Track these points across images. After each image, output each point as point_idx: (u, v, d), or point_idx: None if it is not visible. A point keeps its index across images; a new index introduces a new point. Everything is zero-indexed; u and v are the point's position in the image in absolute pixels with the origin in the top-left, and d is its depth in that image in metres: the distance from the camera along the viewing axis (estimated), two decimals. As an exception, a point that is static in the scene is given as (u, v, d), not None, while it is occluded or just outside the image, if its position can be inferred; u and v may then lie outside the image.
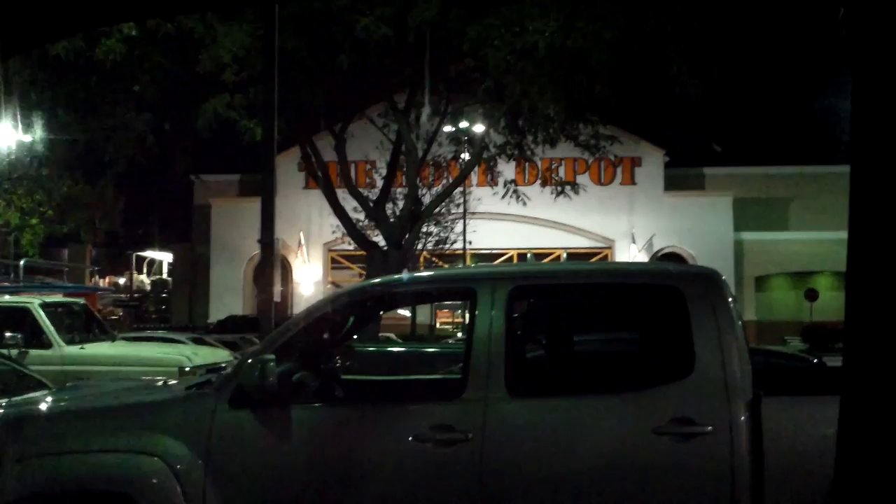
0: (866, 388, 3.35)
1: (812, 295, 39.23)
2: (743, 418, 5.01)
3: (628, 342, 7.28)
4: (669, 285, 5.55)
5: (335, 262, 45.48)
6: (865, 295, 3.36)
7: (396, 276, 6.27)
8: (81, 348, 14.82)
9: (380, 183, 29.14)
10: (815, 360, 12.21)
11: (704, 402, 5.08)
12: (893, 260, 3.27)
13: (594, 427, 5.15)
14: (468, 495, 5.06)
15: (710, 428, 5.01)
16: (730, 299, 5.39)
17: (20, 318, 14.70)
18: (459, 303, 37.40)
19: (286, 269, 42.58)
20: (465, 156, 27.81)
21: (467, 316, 7.08)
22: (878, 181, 3.32)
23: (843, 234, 3.50)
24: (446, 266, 37.62)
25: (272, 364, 5.08)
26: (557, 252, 43.56)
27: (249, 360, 5.29)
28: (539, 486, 5.05)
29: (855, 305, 3.40)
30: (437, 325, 43.07)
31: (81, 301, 17.83)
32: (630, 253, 42.99)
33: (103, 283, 58.31)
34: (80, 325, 16.17)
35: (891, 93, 3.29)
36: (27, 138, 27.27)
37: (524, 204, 28.15)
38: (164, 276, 60.55)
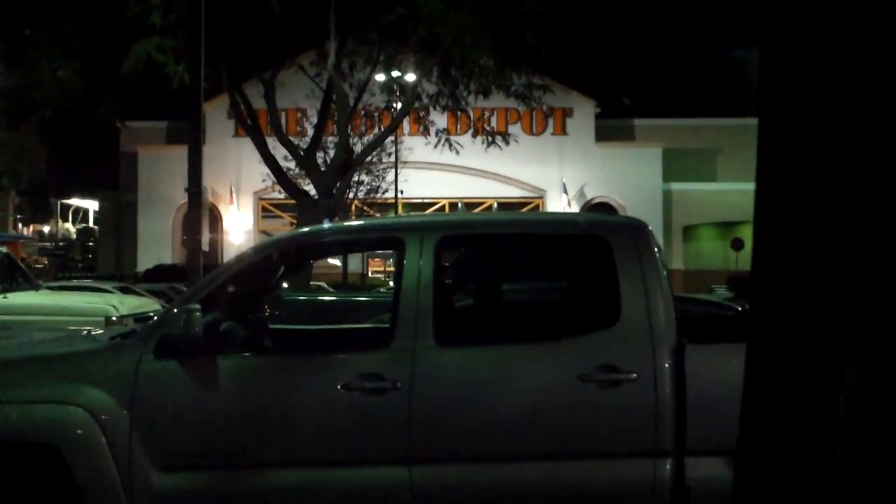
0: (770, 336, 3.45)
1: (738, 244, 39.93)
2: (667, 365, 5.10)
3: (556, 291, 7.34)
4: (596, 235, 5.59)
5: (266, 210, 45.15)
6: (770, 246, 3.45)
7: (325, 226, 6.23)
8: (4, 297, 14.50)
9: (311, 131, 28.89)
10: (741, 308, 12.43)
11: (629, 349, 5.16)
12: (795, 217, 3.36)
13: (521, 375, 5.20)
14: (397, 443, 5.08)
15: (634, 375, 5.09)
16: (656, 249, 5.46)
17: (-60, 267, 14.37)
18: (390, 252, 37.46)
19: (216, 218, 42.21)
20: (398, 105, 27.66)
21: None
22: (782, 136, 3.40)
23: (769, 186, 3.57)
24: (378, 215, 37.60)
25: (198, 314, 5.02)
26: (489, 201, 43.71)
27: (175, 310, 5.23)
28: (467, 433, 5.10)
29: (760, 257, 3.49)
30: (370, 274, 43.05)
31: (4, 249, 17.42)
32: (561, 203, 43.30)
33: (27, 231, 57.17)
34: (3, 273, 15.80)
35: (795, 55, 3.36)
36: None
37: (456, 153, 28.12)
38: (91, 224, 59.54)
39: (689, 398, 5.06)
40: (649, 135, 45.49)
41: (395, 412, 5.08)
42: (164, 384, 5.17)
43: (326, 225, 6.20)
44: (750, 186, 3.52)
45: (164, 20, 19.07)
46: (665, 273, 5.43)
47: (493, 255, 6.55)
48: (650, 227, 5.68)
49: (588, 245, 5.69)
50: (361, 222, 7.58)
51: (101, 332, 7.03)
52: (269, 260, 6.02)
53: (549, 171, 43.79)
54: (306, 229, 6.56)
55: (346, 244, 7.09)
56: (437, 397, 5.11)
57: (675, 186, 44.01)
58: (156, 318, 6.02)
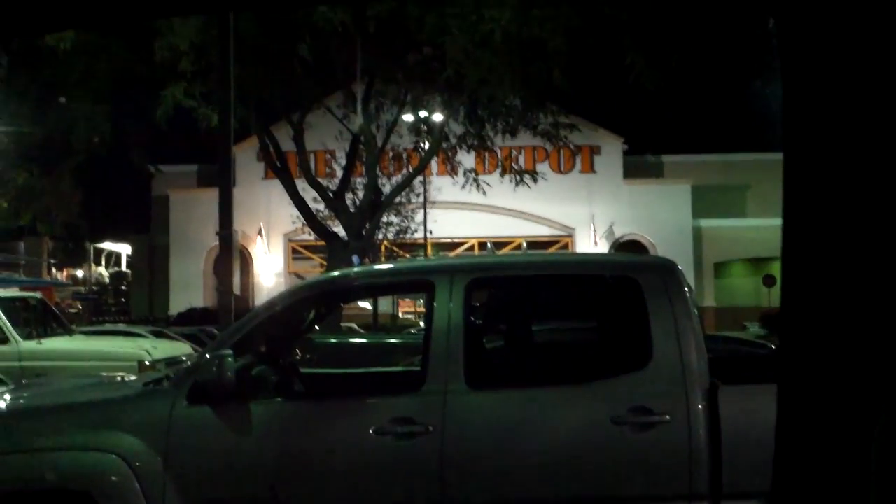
0: (801, 375, 3.42)
1: (770, 281, 39.58)
2: (700, 407, 5.07)
3: (586, 332, 7.33)
4: (626, 276, 5.59)
5: (296, 252, 45.28)
6: (799, 284, 3.42)
7: (355, 270, 6.27)
8: (39, 343, 14.66)
9: (339, 173, 29.08)
10: (774, 347, 12.33)
11: (662, 391, 5.13)
12: (824, 250, 3.34)
13: (553, 418, 5.18)
14: (429, 488, 5.07)
15: (667, 417, 5.06)
16: (686, 289, 5.44)
17: (-25, 314, 14.52)
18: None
19: (246, 260, 42.38)
20: (425, 145, 27.78)
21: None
22: (808, 172, 3.39)
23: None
24: (407, 255, 37.64)
25: (230, 360, 5.06)
26: (518, 240, 43.63)
27: (207, 356, 5.27)
28: (500, 477, 5.08)
29: (789, 295, 3.46)
30: (400, 315, 43.02)
31: (38, 295, 17.62)
32: (590, 240, 43.18)
33: (61, 276, 57.66)
34: (38, 319, 15.99)
35: (818, 103, 3.36)
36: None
37: (484, 193, 28.18)
38: (123, 268, 60.00)
39: (723, 440, 5.02)
40: (678, 171, 45.31)
41: (428, 456, 5.07)
42: (197, 430, 5.20)
43: (356, 269, 6.25)
44: (780, 222, 3.49)
45: (194, 66, 19.32)
46: (696, 312, 5.41)
47: (523, 296, 6.55)
48: (680, 267, 5.67)
49: (618, 286, 5.68)
50: (391, 266, 7.62)
51: (134, 377, 7.09)
52: (299, 305, 6.06)
53: (577, 209, 43.68)
54: (336, 274, 6.59)
55: (377, 288, 7.13)
56: (470, 441, 5.10)
57: (705, 223, 43.77)
58: (189, 363, 6.06)
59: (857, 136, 3.28)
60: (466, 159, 28.60)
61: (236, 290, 14.94)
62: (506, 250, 42.96)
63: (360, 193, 28.20)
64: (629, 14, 14.45)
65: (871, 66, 3.26)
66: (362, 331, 25.91)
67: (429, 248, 38.42)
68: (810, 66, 3.40)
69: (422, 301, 41.92)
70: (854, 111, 3.28)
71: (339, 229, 26.77)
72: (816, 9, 3.39)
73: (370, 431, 5.12)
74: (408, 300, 44.11)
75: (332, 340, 14.84)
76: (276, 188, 29.41)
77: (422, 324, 26.25)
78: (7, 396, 6.70)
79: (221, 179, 13.94)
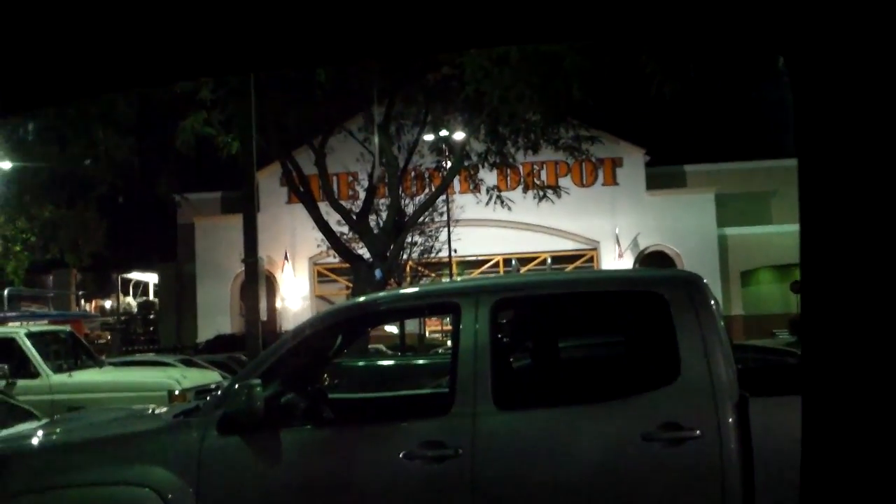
0: (824, 385, 3.37)
1: (798, 287, 39.16)
2: (730, 421, 5.03)
3: (614, 348, 7.31)
4: (651, 291, 5.57)
5: (321, 275, 45.38)
6: (818, 292, 3.39)
7: (381, 294, 6.28)
8: (69, 376, 14.74)
9: (362, 195, 29.14)
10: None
11: (691, 406, 5.10)
12: (842, 257, 3.30)
13: (583, 437, 5.16)
14: (461, 511, 5.06)
15: (698, 432, 5.03)
16: (712, 302, 5.42)
17: (6, 349, 14.59)
18: (447, 312, 37.26)
19: (272, 284, 42.50)
20: (447, 164, 27.82)
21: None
22: (823, 175, 3.36)
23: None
24: (433, 275, 37.65)
25: (258, 389, 5.08)
26: (543, 255, 43.55)
27: (236, 386, 5.30)
28: (532, 498, 5.06)
29: (809, 303, 3.43)
30: (427, 335, 42.99)
31: (67, 328, 17.73)
32: (615, 253, 43.03)
33: (89, 307, 58.07)
34: (67, 352, 16.08)
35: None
36: (6, 165, 27.25)
37: (508, 209, 28.16)
38: (151, 297, 60.35)
39: (754, 453, 4.98)
40: (701, 180, 45.17)
41: (459, 480, 5.06)
42: (227, 460, 5.22)
43: (382, 294, 6.27)
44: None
45: (213, 94, 19.48)
46: (723, 325, 5.38)
47: (549, 316, 6.53)
48: (705, 279, 5.65)
49: (644, 301, 5.67)
50: (416, 290, 7.63)
51: (164, 409, 7.12)
52: (326, 331, 6.08)
53: (601, 222, 43.56)
54: (362, 299, 6.62)
55: (403, 312, 7.14)
56: (500, 463, 5.09)
57: (730, 231, 43.55)
58: (219, 392, 6.09)
59: (874, 140, 3.26)
60: (489, 177, 28.62)
61: (263, 315, 15.01)
62: (531, 266, 42.90)
63: (384, 215, 28.24)
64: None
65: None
66: (390, 352, 25.92)
67: (454, 267, 38.41)
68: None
69: (448, 319, 41.77)
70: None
71: (364, 251, 26.80)
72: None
73: (400, 456, 5.12)
74: (434, 319, 44.08)
75: (360, 364, 14.87)
76: (300, 212, 29.52)
77: (449, 343, 26.22)
78: (39, 433, 6.75)
79: (246, 208, 14.04)
